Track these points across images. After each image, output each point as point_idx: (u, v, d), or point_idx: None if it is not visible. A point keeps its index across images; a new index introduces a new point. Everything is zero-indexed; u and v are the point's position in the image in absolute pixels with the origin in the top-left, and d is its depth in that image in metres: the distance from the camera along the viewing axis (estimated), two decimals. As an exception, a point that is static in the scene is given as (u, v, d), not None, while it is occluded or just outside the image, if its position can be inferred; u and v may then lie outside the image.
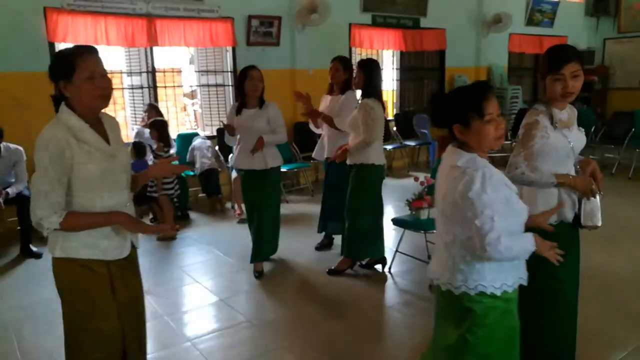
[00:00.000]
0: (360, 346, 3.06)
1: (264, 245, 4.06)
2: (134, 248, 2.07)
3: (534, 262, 1.87)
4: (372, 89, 3.87)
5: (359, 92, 4.07)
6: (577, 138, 2.34)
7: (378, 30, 8.02)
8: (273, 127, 3.90)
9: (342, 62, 4.33)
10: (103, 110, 2.00)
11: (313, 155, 4.69)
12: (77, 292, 1.92)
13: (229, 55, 6.78)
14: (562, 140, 2.26)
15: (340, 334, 3.20)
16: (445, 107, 1.82)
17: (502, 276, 1.78)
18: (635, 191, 6.55)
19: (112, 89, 1.95)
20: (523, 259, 1.84)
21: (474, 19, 9.29)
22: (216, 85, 6.87)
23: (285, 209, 6.03)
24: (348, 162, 3.94)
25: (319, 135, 4.55)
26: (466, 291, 1.79)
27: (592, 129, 8.30)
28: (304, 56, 7.10)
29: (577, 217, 2.30)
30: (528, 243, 1.76)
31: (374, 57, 8.76)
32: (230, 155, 4.88)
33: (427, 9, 8.47)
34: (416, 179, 3.99)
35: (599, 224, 2.28)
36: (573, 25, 10.89)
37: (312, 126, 4.57)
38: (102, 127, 1.96)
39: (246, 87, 3.83)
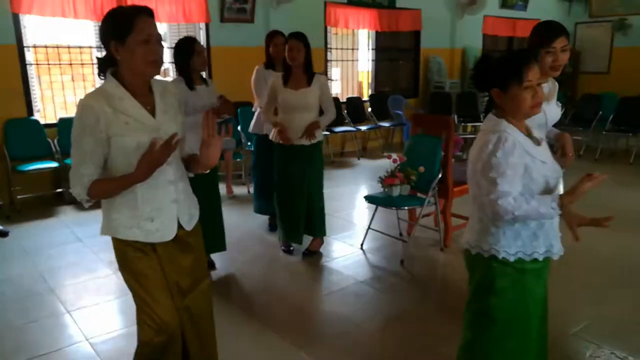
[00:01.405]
0: (332, 320, 3.11)
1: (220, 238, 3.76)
2: (189, 230, 1.92)
3: None
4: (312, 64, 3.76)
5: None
6: (554, 111, 2.45)
7: (353, 9, 7.97)
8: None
9: (283, 36, 4.08)
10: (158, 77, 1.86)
11: (250, 129, 4.52)
12: (133, 273, 1.84)
13: (202, 32, 6.66)
14: (539, 114, 2.32)
15: (312, 309, 3.25)
16: (488, 70, 1.82)
17: (518, 243, 1.79)
18: (601, 172, 6.71)
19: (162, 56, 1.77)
20: (548, 225, 1.82)
21: (450, 0, 9.31)
22: (189, 63, 6.75)
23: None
24: (309, 141, 3.76)
25: None
26: (480, 252, 1.84)
27: (563, 111, 8.48)
28: (278, 34, 7.01)
29: None
30: (543, 207, 1.69)
31: (349, 37, 8.83)
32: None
33: (403, -12, 8.45)
34: (389, 156, 4.02)
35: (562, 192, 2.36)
36: (546, 9, 10.99)
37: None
38: (151, 97, 1.80)
39: (195, 63, 3.40)
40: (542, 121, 2.38)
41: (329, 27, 7.86)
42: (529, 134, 1.85)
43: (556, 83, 2.49)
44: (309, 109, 3.72)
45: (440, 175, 3.92)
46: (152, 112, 1.78)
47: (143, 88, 1.78)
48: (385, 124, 8.37)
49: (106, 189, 1.75)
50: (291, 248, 4.08)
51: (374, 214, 4.21)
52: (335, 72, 8.62)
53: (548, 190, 1.80)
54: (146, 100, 1.78)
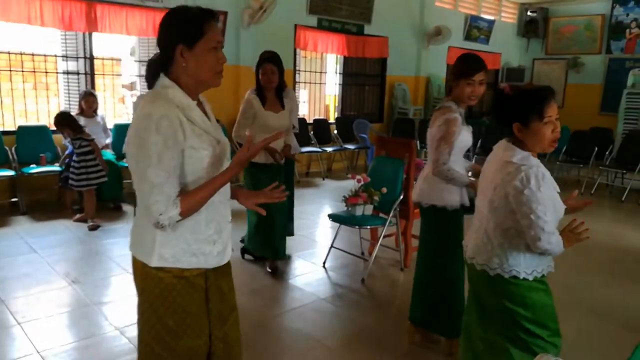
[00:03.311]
0: (293, 337, 3.12)
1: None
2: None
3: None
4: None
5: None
6: (471, 135, 2.76)
7: (323, 34, 8.15)
8: None
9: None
10: None
11: None
12: (171, 306, 1.62)
13: (171, 47, 6.66)
14: (467, 137, 2.64)
15: (274, 325, 3.25)
16: (508, 104, 1.90)
17: (533, 264, 1.93)
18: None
19: None
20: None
21: (416, 30, 9.65)
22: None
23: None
24: (284, 160, 3.95)
25: None
26: (500, 273, 1.95)
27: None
28: (248, 53, 7.08)
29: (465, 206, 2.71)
30: (561, 244, 1.88)
31: (318, 61, 9.00)
32: None
33: (372, 16, 8.70)
34: (353, 176, 4.10)
35: None
36: (506, 44, 11.54)
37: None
38: (203, 108, 1.67)
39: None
40: (469, 143, 2.68)
41: (298, 50, 7.99)
42: None
43: None
44: (285, 130, 3.86)
45: (401, 197, 4.02)
46: None
47: (197, 97, 1.65)
48: (350, 147, 8.50)
49: (200, 198, 1.55)
50: (276, 267, 4.07)
51: (337, 233, 4.26)
52: (303, 94, 8.75)
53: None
54: (201, 110, 1.65)
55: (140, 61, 6.84)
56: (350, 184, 4.20)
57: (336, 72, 9.10)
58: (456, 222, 2.78)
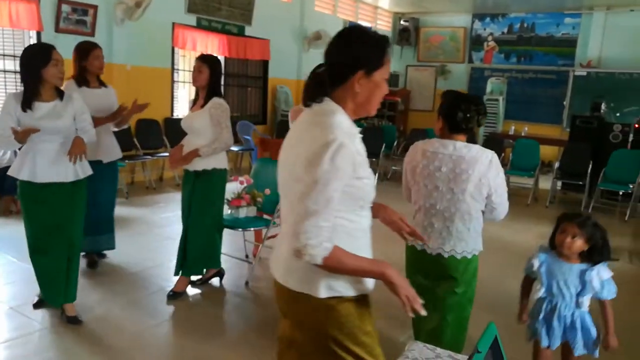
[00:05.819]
0: (173, 343, 3.01)
1: (71, 287, 3.17)
2: None
3: None
4: (219, 88, 3.56)
5: None
6: None
7: (202, 33, 7.95)
8: (81, 125, 3.10)
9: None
10: None
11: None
12: (352, 331, 1.52)
13: (33, 40, 6.07)
14: None
15: (152, 333, 3.09)
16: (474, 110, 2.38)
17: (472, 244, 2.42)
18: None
19: None
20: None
21: (296, 33, 9.81)
22: (15, 72, 6.07)
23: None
24: (193, 167, 3.61)
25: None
26: (465, 255, 2.39)
27: (395, 143, 9.40)
28: (121, 51, 6.71)
29: None
30: None
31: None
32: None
33: (252, 18, 8.68)
34: (235, 178, 4.05)
35: None
36: (381, 51, 12.16)
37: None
38: None
39: (48, 74, 2.89)
40: None
41: (176, 49, 7.73)
42: None
43: None
44: (200, 132, 3.55)
45: (285, 197, 4.04)
46: None
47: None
48: (234, 149, 8.38)
49: (345, 267, 1.44)
50: None
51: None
52: (182, 93, 8.46)
53: None
54: None
55: (-6, 55, 6.13)
56: (233, 187, 4.14)
57: (218, 73, 8.93)
58: None
